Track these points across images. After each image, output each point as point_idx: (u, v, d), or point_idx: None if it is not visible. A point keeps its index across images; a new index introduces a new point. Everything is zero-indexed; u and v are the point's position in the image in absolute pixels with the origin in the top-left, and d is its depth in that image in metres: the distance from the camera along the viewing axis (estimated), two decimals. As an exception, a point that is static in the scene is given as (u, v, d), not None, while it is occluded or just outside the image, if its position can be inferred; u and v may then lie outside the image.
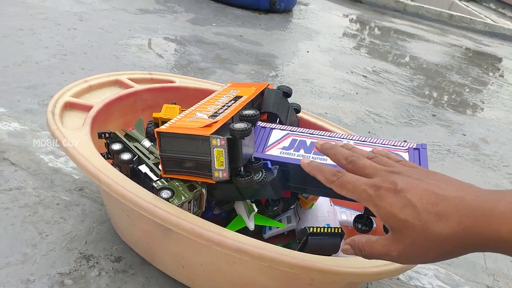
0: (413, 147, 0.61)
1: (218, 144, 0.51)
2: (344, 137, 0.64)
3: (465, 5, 5.24)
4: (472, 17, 3.91)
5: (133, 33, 1.67)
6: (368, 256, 0.34)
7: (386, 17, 3.54)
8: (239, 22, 2.24)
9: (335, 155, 0.39)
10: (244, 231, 0.65)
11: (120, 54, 1.44)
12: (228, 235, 0.48)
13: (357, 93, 1.65)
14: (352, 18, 3.21)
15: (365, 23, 3.15)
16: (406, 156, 0.60)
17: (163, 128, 0.54)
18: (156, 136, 0.53)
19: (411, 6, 3.85)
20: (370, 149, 0.62)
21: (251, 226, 0.64)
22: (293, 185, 0.62)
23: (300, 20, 2.67)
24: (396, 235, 0.32)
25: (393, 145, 0.61)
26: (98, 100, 0.72)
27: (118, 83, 0.80)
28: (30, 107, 1.00)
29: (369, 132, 1.34)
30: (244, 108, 0.63)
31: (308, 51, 2.05)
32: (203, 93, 0.81)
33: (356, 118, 1.43)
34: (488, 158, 1.38)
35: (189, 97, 0.83)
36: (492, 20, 4.31)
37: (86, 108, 0.68)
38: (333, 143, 0.39)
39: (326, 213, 0.73)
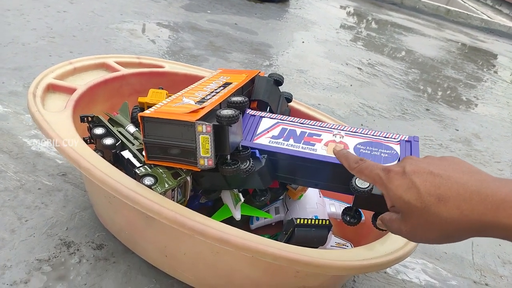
0: (405, 139, 0.59)
1: (204, 131, 0.49)
2: (336, 127, 0.63)
3: (462, 0, 5.22)
4: (469, 13, 3.89)
5: (125, 17, 1.63)
6: (392, 231, 0.36)
7: (383, 10, 3.51)
8: (234, 10, 2.20)
9: (346, 159, 0.41)
10: (231, 221, 0.64)
11: (110, 38, 1.41)
12: (211, 225, 0.46)
13: (351, 85, 1.63)
14: (349, 10, 3.17)
15: (362, 15, 3.13)
16: (397, 148, 0.58)
17: (147, 112, 0.52)
18: (139, 120, 0.51)
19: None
20: (362, 140, 0.61)
21: (238, 216, 0.62)
22: (282, 175, 0.60)
23: (297, 10, 2.64)
24: (403, 216, 0.33)
25: (384, 137, 0.60)
26: (82, 83, 0.69)
27: (105, 66, 0.77)
28: (14, 89, 0.97)
29: (362, 125, 1.33)
30: (233, 95, 0.61)
31: (303, 42, 2.02)
32: (192, 79, 0.79)
33: (349, 110, 1.41)
34: (480, 154, 1.37)
35: (178, 83, 0.80)
36: (488, 17, 4.30)
37: (70, 91, 0.66)
38: (346, 150, 0.42)
39: (315, 204, 0.72)
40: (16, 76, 1.03)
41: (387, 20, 3.15)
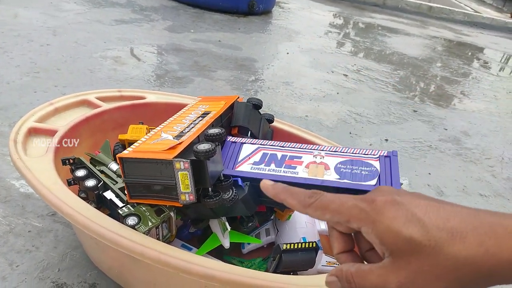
0: (384, 155, 0.60)
1: (182, 167, 0.50)
2: (315, 148, 0.63)
3: (444, -5, 5.28)
4: (451, 8, 3.94)
5: (109, 45, 1.65)
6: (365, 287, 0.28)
7: (366, 12, 3.55)
8: (217, 27, 2.22)
9: (292, 195, 0.30)
10: (222, 248, 0.64)
11: (95, 68, 1.42)
12: (196, 261, 0.47)
13: (338, 93, 1.65)
14: (332, 16, 3.21)
15: (345, 20, 3.16)
16: (377, 164, 0.59)
17: (125, 153, 0.52)
18: (118, 162, 0.52)
19: (390, 0, 3.87)
20: (343, 159, 0.61)
21: (226, 244, 0.63)
22: (267, 200, 0.61)
23: (280, 21, 2.66)
24: (397, 261, 0.25)
25: (364, 154, 0.61)
26: (64, 123, 0.70)
27: (86, 103, 0.78)
28: (0, 129, 0.98)
29: (350, 133, 1.34)
30: (212, 125, 0.62)
31: (288, 53, 2.04)
32: (174, 108, 0.80)
33: (337, 119, 1.42)
34: (470, 152, 1.38)
35: (160, 113, 0.81)
36: (472, 9, 4.35)
37: (51, 133, 0.66)
38: (284, 185, 0.31)
39: (304, 223, 0.72)
40: (2, 116, 1.03)
41: (371, 23, 3.18)
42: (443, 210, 0.25)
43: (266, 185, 0.32)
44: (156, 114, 0.81)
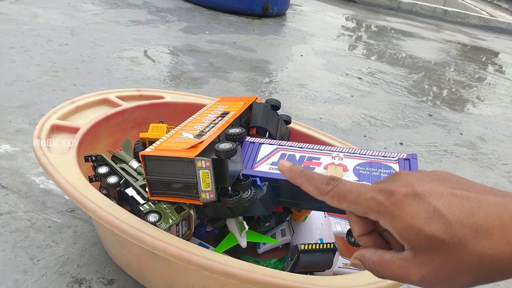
0: (403, 157, 0.60)
1: (203, 166, 0.50)
2: (334, 150, 0.63)
3: (459, -1, 5.23)
4: (466, 12, 3.90)
5: (126, 46, 1.67)
6: (382, 277, 0.27)
7: (380, 15, 3.53)
8: (232, 29, 2.24)
9: (309, 180, 0.28)
10: (238, 247, 0.65)
11: (112, 68, 1.44)
12: (216, 259, 0.47)
13: (352, 96, 1.64)
14: (346, 19, 3.20)
15: (359, 23, 3.15)
16: (396, 167, 0.59)
17: (147, 151, 0.53)
18: (141, 159, 0.53)
19: (405, 3, 3.85)
20: (361, 161, 0.61)
21: (243, 243, 0.63)
22: (285, 200, 0.61)
23: (294, 23, 2.67)
24: (419, 256, 0.24)
25: (383, 156, 0.61)
26: (86, 120, 0.71)
27: (106, 102, 0.79)
28: (21, 127, 1.00)
29: (364, 136, 1.33)
30: (231, 125, 0.62)
31: (302, 55, 2.04)
32: (192, 108, 0.81)
33: (351, 122, 1.42)
34: (486, 157, 1.37)
35: (178, 112, 0.82)
36: (487, 13, 4.30)
37: (73, 130, 0.68)
38: (302, 168, 0.29)
39: (320, 225, 0.72)
40: (22, 113, 1.05)
41: (385, 26, 3.16)
42: (467, 201, 0.23)
43: (283, 167, 0.30)
44: (175, 113, 0.82)
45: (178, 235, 0.55)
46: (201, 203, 0.53)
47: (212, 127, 0.61)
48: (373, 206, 0.25)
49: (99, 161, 0.62)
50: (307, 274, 0.59)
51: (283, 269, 0.67)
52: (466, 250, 0.23)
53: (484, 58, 2.79)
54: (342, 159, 0.61)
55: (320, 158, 0.62)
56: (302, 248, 0.57)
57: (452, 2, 5.15)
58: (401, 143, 1.34)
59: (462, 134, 1.51)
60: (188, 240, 0.59)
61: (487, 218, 0.23)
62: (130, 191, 0.57)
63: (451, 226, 0.23)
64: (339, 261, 0.67)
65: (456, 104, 1.82)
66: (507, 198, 0.23)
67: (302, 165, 0.61)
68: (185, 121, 0.64)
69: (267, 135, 0.71)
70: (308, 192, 0.28)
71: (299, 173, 0.29)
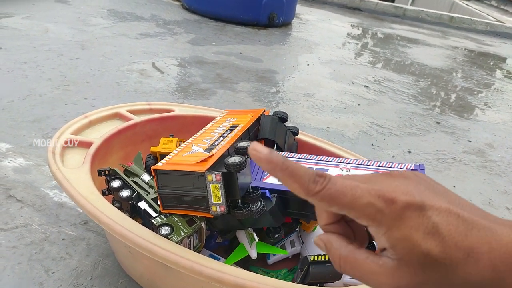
0: (411, 168, 0.61)
1: (214, 180, 0.51)
2: (342, 161, 0.64)
3: (466, 4, 5.23)
4: (473, 18, 3.90)
5: (134, 59, 1.70)
6: (343, 272, 0.25)
7: (385, 23, 3.54)
8: (238, 39, 2.26)
9: (292, 176, 0.24)
10: (248, 258, 0.66)
11: (122, 81, 1.47)
12: (228, 271, 0.48)
13: (359, 105, 1.65)
14: (351, 27, 3.22)
15: (365, 31, 3.16)
16: (404, 178, 0.60)
17: (159, 165, 0.55)
18: (153, 173, 0.54)
19: (411, 10, 3.86)
20: (369, 172, 0.62)
21: (254, 255, 0.64)
22: (294, 212, 0.62)
23: (300, 32, 2.69)
24: (402, 268, 0.23)
25: (390, 167, 0.61)
26: (98, 135, 0.73)
27: (118, 116, 0.81)
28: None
29: (372, 145, 1.34)
30: (240, 138, 0.64)
31: (308, 64, 2.06)
32: (201, 120, 0.83)
33: (358, 131, 1.42)
34: (495, 164, 1.36)
35: (188, 125, 0.84)
36: (494, 18, 4.29)
37: (87, 145, 0.69)
38: (284, 159, 0.24)
39: (329, 235, 0.73)
40: (35, 128, 1.08)
41: (391, 34, 3.17)
42: (462, 221, 0.23)
43: (258, 154, 0.23)
44: (184, 126, 0.83)
45: (189, 247, 0.56)
46: (212, 216, 0.54)
47: (222, 140, 0.62)
48: (369, 213, 0.23)
49: (112, 175, 0.63)
50: (317, 285, 0.60)
51: (293, 280, 0.68)
52: (454, 272, 0.22)
53: (491, 64, 2.78)
54: (350, 170, 0.62)
55: (328, 169, 0.62)
56: (312, 259, 0.57)
57: (458, 8, 5.15)
58: (409, 151, 1.34)
59: (470, 141, 1.50)
60: (199, 252, 0.60)
61: (477, 243, 0.22)
62: (142, 205, 0.59)
63: (446, 247, 0.22)
64: (349, 271, 0.67)
65: (464, 111, 1.81)
66: (493, 223, 0.23)
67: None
68: (195, 135, 0.66)
69: (275, 147, 0.72)
70: (291, 189, 0.24)
71: (280, 165, 0.23)
